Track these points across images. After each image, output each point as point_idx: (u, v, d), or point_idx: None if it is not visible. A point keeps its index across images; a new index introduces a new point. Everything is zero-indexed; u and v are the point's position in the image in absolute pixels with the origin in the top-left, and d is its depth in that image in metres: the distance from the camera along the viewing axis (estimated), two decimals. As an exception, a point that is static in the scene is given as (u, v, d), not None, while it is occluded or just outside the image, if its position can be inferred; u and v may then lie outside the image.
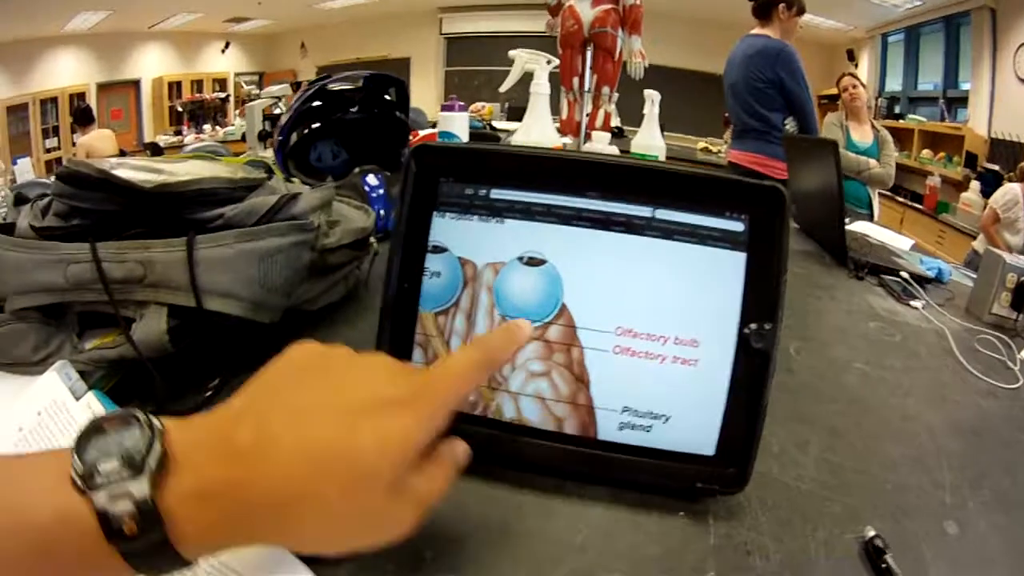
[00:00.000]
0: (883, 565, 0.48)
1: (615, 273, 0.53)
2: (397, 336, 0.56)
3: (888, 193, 5.75)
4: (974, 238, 4.84)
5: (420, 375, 0.40)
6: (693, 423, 0.53)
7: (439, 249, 0.55)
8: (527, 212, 0.54)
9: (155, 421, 0.34)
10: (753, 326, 0.51)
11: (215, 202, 0.66)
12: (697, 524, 0.52)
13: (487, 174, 0.55)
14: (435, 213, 0.56)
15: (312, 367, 0.41)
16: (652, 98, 1.63)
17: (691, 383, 0.52)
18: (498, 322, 0.54)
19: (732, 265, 0.52)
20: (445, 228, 0.55)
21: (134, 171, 0.66)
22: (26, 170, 6.08)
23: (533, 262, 0.53)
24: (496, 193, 0.55)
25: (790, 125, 2.83)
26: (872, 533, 0.51)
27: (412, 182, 0.56)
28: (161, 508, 0.32)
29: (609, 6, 2.11)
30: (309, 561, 0.42)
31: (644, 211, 0.52)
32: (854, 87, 3.54)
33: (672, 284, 0.52)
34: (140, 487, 0.31)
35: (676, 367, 0.52)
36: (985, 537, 0.54)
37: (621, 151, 1.73)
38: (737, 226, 0.52)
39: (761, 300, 0.51)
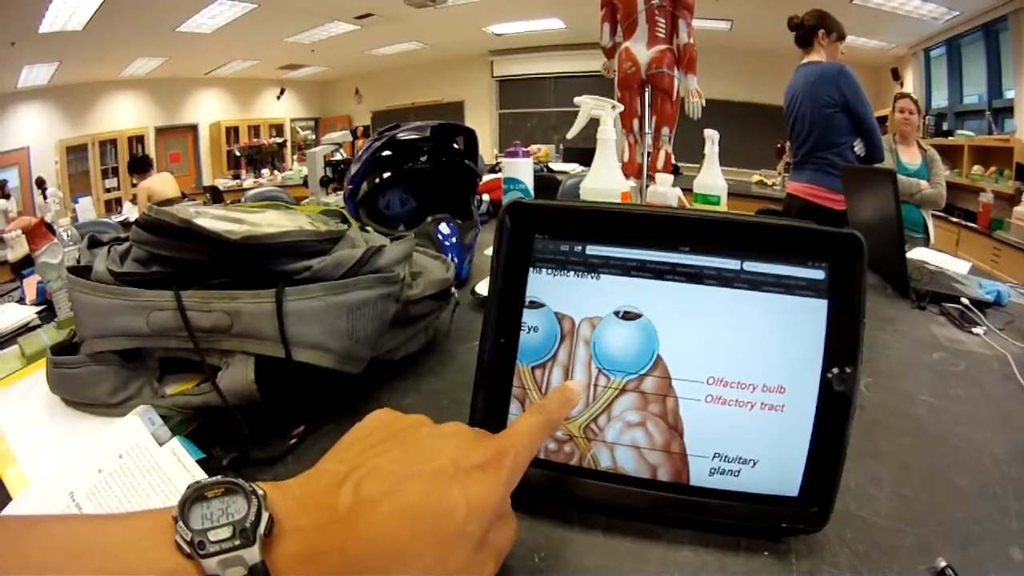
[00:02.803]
0: (954, 595, 0.48)
1: (707, 324, 0.54)
2: (494, 389, 0.58)
3: (941, 214, 5.63)
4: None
5: (494, 441, 0.44)
6: (779, 466, 0.54)
7: (536, 304, 0.57)
8: (622, 268, 0.56)
9: (256, 488, 0.37)
10: (835, 370, 0.52)
11: (302, 254, 0.68)
12: (781, 563, 0.53)
13: (582, 230, 0.57)
14: (531, 269, 0.58)
15: (398, 437, 0.44)
16: (712, 138, 1.63)
17: (778, 428, 0.53)
18: (595, 375, 0.56)
19: (815, 312, 0.53)
20: (541, 284, 0.57)
21: (214, 220, 0.68)
22: (87, 209, 6.27)
23: (629, 316, 0.55)
24: (591, 249, 0.57)
25: (858, 148, 2.83)
26: (943, 564, 0.51)
27: (507, 239, 0.58)
28: (271, 571, 0.34)
29: (664, 46, 2.13)
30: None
31: (733, 263, 0.54)
32: (911, 112, 3.51)
33: (760, 333, 0.54)
34: (252, 554, 0.34)
35: (764, 413, 0.53)
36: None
37: (683, 190, 1.74)
38: (818, 274, 0.53)
39: (842, 345, 0.52)
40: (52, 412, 0.68)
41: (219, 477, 0.38)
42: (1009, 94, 6.13)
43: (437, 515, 0.38)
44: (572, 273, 0.57)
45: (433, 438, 0.44)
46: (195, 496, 0.36)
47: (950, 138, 6.89)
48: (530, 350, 0.57)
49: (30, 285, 1.30)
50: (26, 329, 1.10)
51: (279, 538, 0.36)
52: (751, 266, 0.54)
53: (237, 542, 0.34)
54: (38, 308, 1.20)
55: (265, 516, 0.36)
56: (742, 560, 0.53)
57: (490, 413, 0.58)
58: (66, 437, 0.65)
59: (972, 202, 6.20)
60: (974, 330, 1.15)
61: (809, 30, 2.87)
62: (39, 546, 0.33)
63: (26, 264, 1.39)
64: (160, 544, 0.34)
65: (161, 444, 0.58)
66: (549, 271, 0.57)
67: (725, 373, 0.54)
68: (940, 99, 7.37)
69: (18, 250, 1.50)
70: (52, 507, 0.52)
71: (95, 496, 0.53)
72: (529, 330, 0.57)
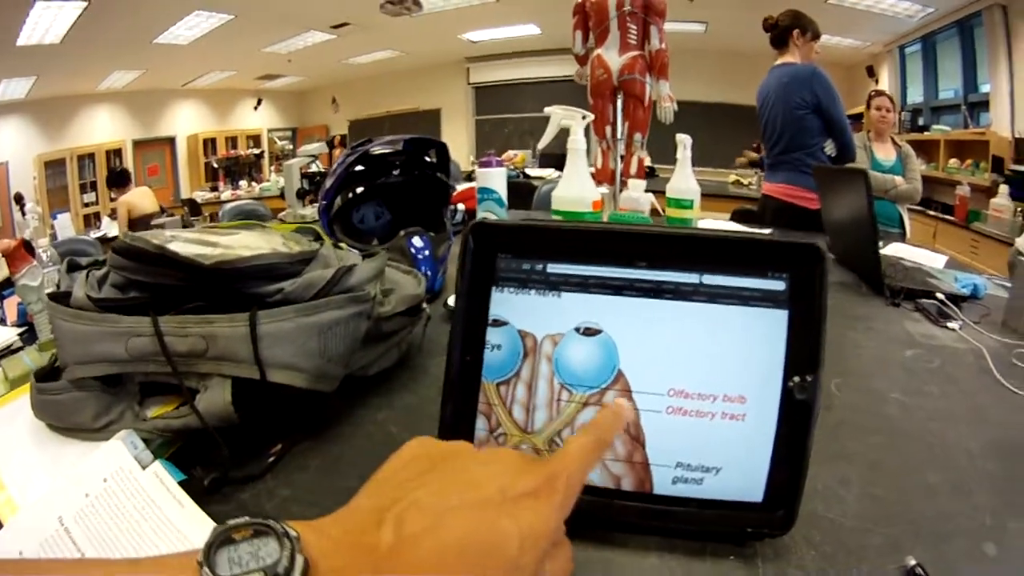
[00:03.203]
0: (923, 593, 0.49)
1: (667, 338, 0.56)
2: (461, 406, 0.59)
3: (919, 208, 5.66)
4: (1008, 244, 4.76)
5: (543, 465, 0.40)
6: (742, 473, 0.55)
7: (499, 323, 0.58)
8: (582, 285, 0.57)
9: (290, 530, 0.33)
10: (796, 379, 0.53)
11: (274, 277, 0.68)
12: (747, 567, 0.54)
13: (543, 249, 0.58)
14: (494, 288, 0.59)
15: (439, 467, 0.40)
16: (684, 142, 1.64)
17: (740, 437, 0.54)
18: (558, 390, 0.57)
19: (775, 323, 0.54)
20: (504, 302, 0.58)
21: (188, 244, 0.69)
22: (66, 225, 6.21)
23: (589, 332, 0.56)
24: (552, 267, 0.58)
25: (829, 148, 2.85)
26: (913, 562, 0.52)
27: (471, 259, 0.58)
28: None
29: (636, 53, 2.15)
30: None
31: (691, 278, 0.55)
32: (888, 111, 3.54)
33: (720, 345, 0.55)
34: None
35: (725, 423, 0.54)
36: (1024, 554, 0.55)
37: (655, 193, 1.75)
38: (778, 285, 0.55)
39: (803, 353, 0.53)
40: (38, 437, 0.68)
41: (247, 518, 0.34)
42: (984, 88, 6.20)
43: (487, 548, 0.34)
44: (534, 291, 0.58)
45: (477, 465, 0.40)
46: (222, 539, 0.33)
47: (926, 133, 6.96)
48: (494, 367, 0.58)
49: (10, 306, 1.29)
50: (8, 351, 1.09)
51: None
52: (710, 279, 0.55)
53: None
54: (20, 329, 1.19)
55: (300, 560, 0.32)
56: (708, 565, 0.54)
57: (457, 428, 0.58)
58: (52, 462, 0.65)
59: (949, 195, 6.26)
60: (949, 325, 1.17)
61: (784, 30, 2.88)
62: None
63: (5, 286, 1.38)
64: None
65: (144, 467, 0.58)
66: (512, 289, 0.58)
67: (685, 385, 0.55)
68: (915, 95, 7.45)
69: (-2, 272, 1.48)
70: (42, 532, 0.52)
71: (82, 520, 0.53)
72: (493, 348, 0.58)
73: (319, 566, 0.33)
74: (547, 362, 0.57)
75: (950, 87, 6.84)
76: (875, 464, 0.70)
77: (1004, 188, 5.55)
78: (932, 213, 6.34)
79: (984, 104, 6.24)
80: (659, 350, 0.56)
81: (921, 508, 0.62)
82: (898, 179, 3.35)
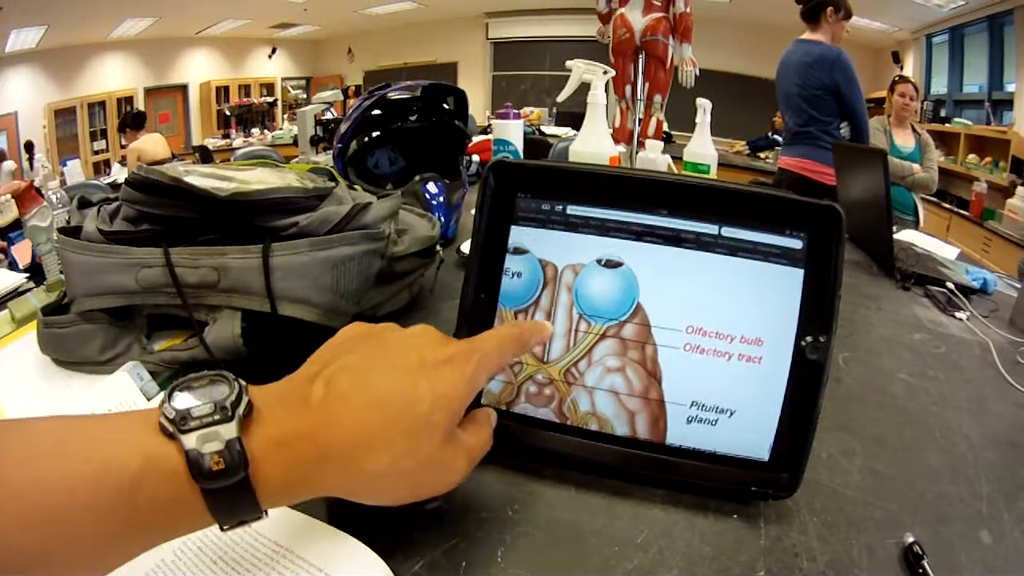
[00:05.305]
0: (920, 571, 0.49)
1: (685, 283, 0.55)
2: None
3: (934, 199, 5.62)
4: (1021, 247, 4.74)
5: (462, 342, 0.47)
6: (753, 422, 0.55)
7: (520, 251, 0.58)
8: (602, 228, 0.57)
9: (240, 380, 0.39)
10: (809, 339, 0.53)
11: (289, 211, 0.68)
12: (749, 526, 0.54)
13: (563, 190, 0.58)
14: (513, 226, 0.58)
15: (368, 339, 0.46)
16: (704, 107, 1.62)
17: (755, 380, 0.54)
18: (576, 321, 0.57)
19: (791, 280, 0.54)
20: (524, 235, 0.58)
21: (204, 178, 0.68)
22: (76, 172, 6.18)
23: (611, 264, 0.56)
24: (572, 209, 0.57)
25: (844, 130, 2.83)
26: (911, 539, 0.52)
27: (491, 196, 0.58)
28: (247, 452, 0.36)
29: (660, 14, 2.10)
30: (383, 555, 0.46)
31: (711, 228, 0.55)
32: (912, 98, 3.50)
33: (736, 298, 0.54)
34: (229, 429, 0.36)
35: (742, 364, 0.54)
36: (1019, 546, 0.55)
37: (673, 158, 1.73)
38: (796, 243, 0.54)
39: (817, 314, 0.53)
40: (43, 373, 0.69)
41: (205, 371, 0.40)
42: (1010, 87, 6.11)
43: (404, 405, 0.40)
44: (553, 231, 0.58)
45: (402, 338, 0.46)
46: (182, 386, 0.38)
47: (947, 125, 6.89)
48: (513, 295, 0.58)
49: (21, 250, 1.28)
50: (16, 293, 1.09)
51: (256, 423, 0.38)
52: (729, 232, 0.55)
53: (216, 417, 0.36)
54: (27, 273, 1.19)
55: (245, 400, 0.38)
56: (712, 521, 0.54)
57: None
58: (57, 397, 0.65)
59: (965, 190, 6.21)
60: (957, 315, 1.15)
61: (817, 6, 2.83)
62: (25, 439, 0.35)
63: (13, 228, 1.37)
64: (141, 430, 0.36)
65: (149, 399, 0.58)
66: (530, 228, 0.58)
67: (704, 323, 0.55)
68: (939, 86, 7.34)
69: (7, 214, 1.47)
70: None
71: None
72: (513, 275, 0.58)
73: (261, 413, 0.39)
74: (567, 292, 0.57)
75: (975, 82, 6.74)
76: (878, 439, 0.70)
77: (1021, 190, 5.51)
78: (947, 206, 6.30)
79: (1008, 103, 6.15)
80: (678, 292, 0.55)
81: (921, 488, 0.62)
82: (916, 167, 3.33)
